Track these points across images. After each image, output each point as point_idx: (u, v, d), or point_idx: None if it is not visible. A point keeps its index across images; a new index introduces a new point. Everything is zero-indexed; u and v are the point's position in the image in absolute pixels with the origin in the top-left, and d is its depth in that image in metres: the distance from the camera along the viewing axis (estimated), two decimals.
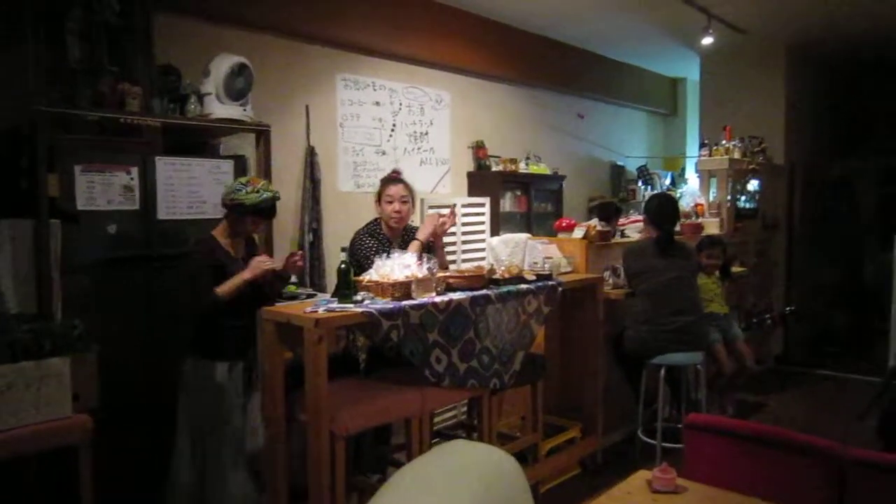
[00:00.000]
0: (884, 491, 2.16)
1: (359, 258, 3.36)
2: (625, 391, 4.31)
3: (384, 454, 3.60)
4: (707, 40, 5.57)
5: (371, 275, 3.01)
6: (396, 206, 3.46)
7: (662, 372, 3.93)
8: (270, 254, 3.35)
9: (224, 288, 2.90)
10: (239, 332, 2.98)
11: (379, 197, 3.52)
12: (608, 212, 5.07)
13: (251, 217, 3.03)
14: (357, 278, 2.98)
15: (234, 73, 3.54)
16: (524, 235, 4.47)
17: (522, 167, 5.95)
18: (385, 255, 3.10)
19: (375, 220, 3.63)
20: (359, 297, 2.86)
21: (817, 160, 7.39)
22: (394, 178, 3.55)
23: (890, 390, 5.12)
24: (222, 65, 3.53)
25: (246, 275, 2.92)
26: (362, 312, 2.74)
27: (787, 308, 6.21)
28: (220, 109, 3.52)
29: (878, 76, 6.43)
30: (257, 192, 2.97)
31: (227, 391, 3.00)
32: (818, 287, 7.39)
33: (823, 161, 7.50)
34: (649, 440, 4.04)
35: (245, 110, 3.63)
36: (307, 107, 4.53)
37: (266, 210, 3.07)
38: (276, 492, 2.90)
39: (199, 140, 3.73)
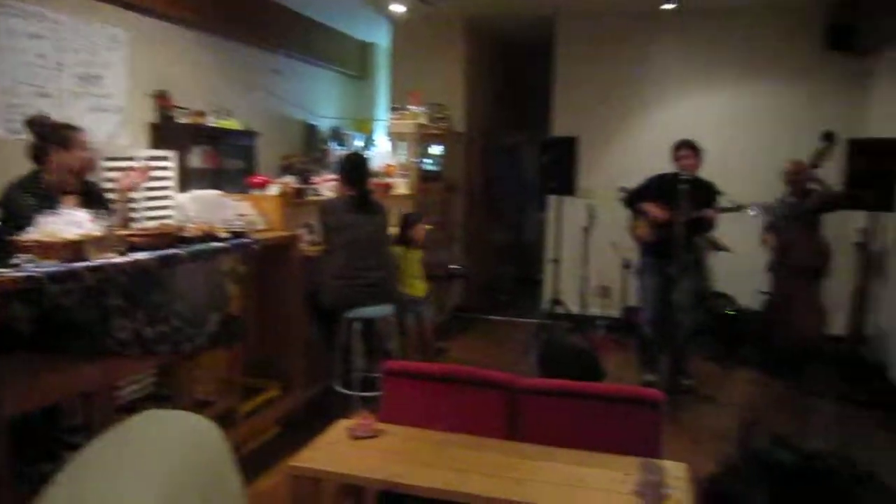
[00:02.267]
0: (545, 410, 2.53)
1: (16, 217, 2.87)
2: (321, 346, 4.39)
3: (57, 438, 3.18)
4: (396, 8, 5.78)
5: (32, 234, 2.60)
6: (89, 153, 3.17)
7: (357, 325, 4.07)
8: None
9: None
10: None
11: (65, 143, 3.10)
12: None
13: None
14: (14, 238, 2.55)
15: None
16: (215, 192, 4.24)
17: (211, 121, 5.61)
18: (49, 211, 2.70)
19: (35, 172, 3.14)
20: (17, 260, 2.45)
21: (492, 129, 8.23)
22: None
23: (544, 329, 6.01)
24: None
25: None
26: (25, 277, 2.35)
27: (458, 267, 6.84)
28: None
29: (542, 57, 7.33)
30: None
31: None
32: (491, 243, 8.31)
33: (497, 130, 8.39)
34: (347, 391, 4.17)
35: None
36: None
37: None
38: None
39: None
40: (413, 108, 6.38)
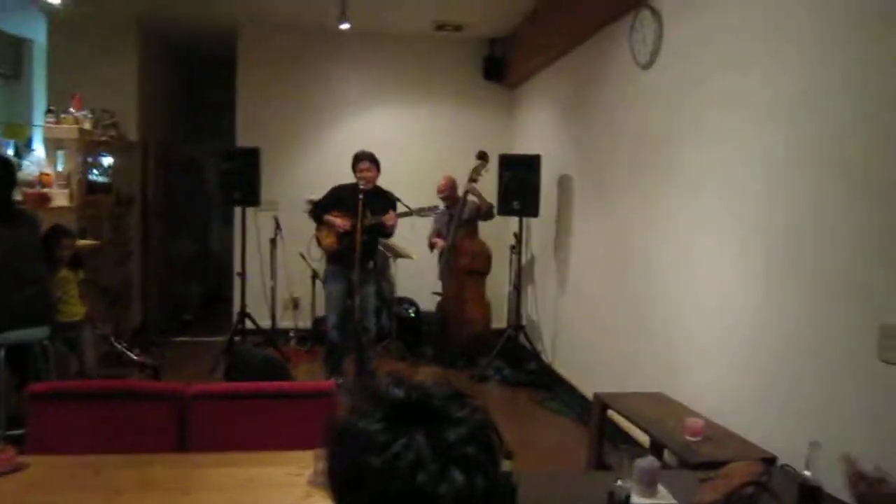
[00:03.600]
0: (219, 415, 2.47)
1: None
2: None
3: None
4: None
5: None
6: None
7: (3, 353, 3.53)
8: None
9: None
10: None
11: None
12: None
13: None
14: None
15: None
16: None
17: None
18: None
19: None
20: None
21: (172, 140, 7.77)
22: None
23: (232, 345, 5.83)
24: None
25: None
26: None
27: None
28: None
29: (226, 69, 7.14)
30: None
31: None
32: (174, 259, 7.83)
33: (178, 142, 7.94)
34: None
35: None
36: None
37: None
38: None
39: None
40: (74, 112, 5.72)
